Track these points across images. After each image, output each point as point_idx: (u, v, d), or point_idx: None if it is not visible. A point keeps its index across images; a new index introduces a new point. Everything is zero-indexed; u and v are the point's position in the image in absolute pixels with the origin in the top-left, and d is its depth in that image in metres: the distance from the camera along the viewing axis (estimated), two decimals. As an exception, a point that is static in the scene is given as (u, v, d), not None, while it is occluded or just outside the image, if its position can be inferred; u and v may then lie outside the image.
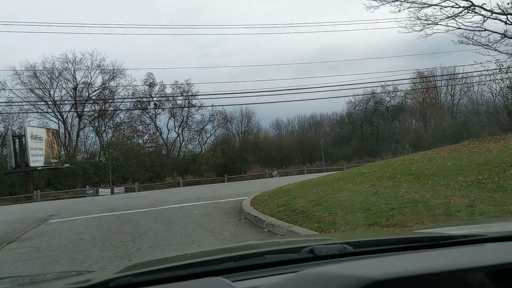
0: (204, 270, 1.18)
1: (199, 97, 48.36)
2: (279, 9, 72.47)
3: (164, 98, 50.16)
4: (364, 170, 10.69)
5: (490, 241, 1.37)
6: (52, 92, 45.02)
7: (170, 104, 50.52)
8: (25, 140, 32.60)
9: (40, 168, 34.19)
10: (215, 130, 52.72)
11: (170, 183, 33.64)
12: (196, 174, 43.52)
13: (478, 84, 53.70)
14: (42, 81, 44.41)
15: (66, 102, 45.81)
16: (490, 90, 53.88)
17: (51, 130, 37.85)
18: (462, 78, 52.37)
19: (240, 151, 49.30)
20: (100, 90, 47.05)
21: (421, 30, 14.66)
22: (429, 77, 51.64)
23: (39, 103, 44.32)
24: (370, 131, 48.95)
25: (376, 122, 49.11)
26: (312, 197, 8.32)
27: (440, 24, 14.19)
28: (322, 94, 69.65)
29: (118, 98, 47.58)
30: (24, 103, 42.78)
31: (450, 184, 6.96)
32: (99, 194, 30.27)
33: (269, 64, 69.28)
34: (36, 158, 33.22)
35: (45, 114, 45.09)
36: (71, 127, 46.94)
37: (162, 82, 48.66)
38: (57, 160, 37.01)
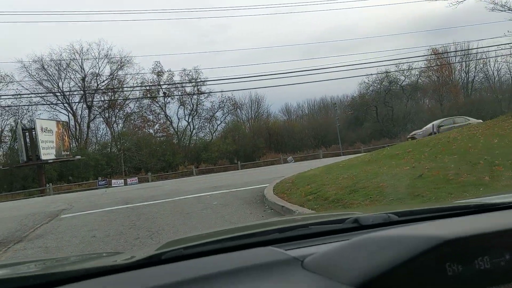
0: (253, 241, 1.16)
1: (208, 84, 47.66)
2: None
3: (173, 87, 49.50)
4: (396, 151, 9.84)
5: None
6: (60, 84, 44.62)
7: (179, 92, 49.85)
8: (35, 133, 32.12)
9: (51, 161, 33.74)
10: (225, 117, 52.21)
11: (183, 172, 32.98)
12: (208, 162, 42.88)
13: (495, 60, 52.55)
14: (50, 73, 43.98)
15: (75, 93, 45.25)
16: (508, 66, 52.71)
17: (61, 122, 37.38)
18: (477, 53, 51.07)
19: (251, 137, 48.56)
20: (109, 80, 46.48)
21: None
22: (443, 53, 50.19)
23: (48, 95, 43.90)
24: (384, 112, 47.80)
25: (390, 102, 47.94)
26: (344, 183, 7.52)
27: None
28: (333, 75, 68.36)
29: (127, 87, 46.90)
30: (32, 96, 42.36)
31: (506, 164, 6.11)
32: (112, 185, 29.61)
33: (278, 46, 67.86)
34: (47, 151, 32.77)
35: (55, 106, 44.73)
36: (81, 119, 46.52)
37: (170, 70, 47.98)
38: (68, 153, 36.58)
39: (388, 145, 36.57)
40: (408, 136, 29.66)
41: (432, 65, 49.68)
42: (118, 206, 11.13)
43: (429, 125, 29.01)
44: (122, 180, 30.56)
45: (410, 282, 0.80)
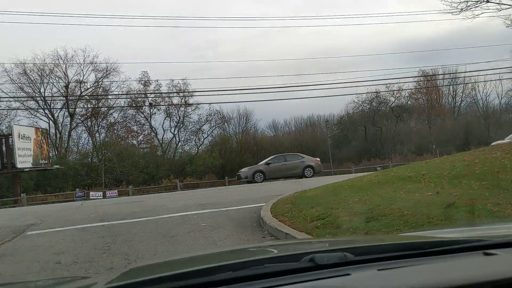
0: (202, 282, 1.14)
1: (195, 96, 46.64)
2: (274, 13, 70.84)
3: (160, 97, 48.29)
4: (408, 173, 8.83)
5: (492, 248, 1.34)
6: (42, 90, 43.05)
7: (166, 104, 48.63)
8: (12, 140, 30.52)
9: (28, 169, 32.09)
10: (212, 131, 51.07)
11: (167, 186, 31.59)
12: (194, 175, 41.53)
13: (484, 85, 52.50)
14: (32, 79, 42.40)
15: (58, 100, 43.71)
16: (496, 91, 52.78)
17: (40, 129, 35.79)
18: (465, 77, 50.96)
19: (238, 151, 47.46)
20: (93, 88, 45.06)
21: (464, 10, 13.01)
22: (433, 75, 49.95)
23: (28, 101, 42.32)
24: (373, 131, 47.19)
25: (379, 122, 47.39)
26: (357, 208, 6.48)
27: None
28: (320, 93, 68.07)
29: (112, 95, 45.53)
30: (12, 101, 40.79)
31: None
32: (90, 197, 28.09)
33: (268, 61, 67.29)
34: (24, 158, 31.16)
35: (35, 113, 43.00)
36: (62, 127, 44.89)
37: (157, 81, 46.79)
38: (46, 161, 34.96)
39: (380, 166, 36.25)
40: (492, 144, 27.79)
41: (422, 87, 49.34)
42: (92, 223, 9.91)
43: None
44: (101, 193, 29.00)
45: None
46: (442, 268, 1.04)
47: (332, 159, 44.47)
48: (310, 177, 26.35)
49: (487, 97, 53.64)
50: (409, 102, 47.80)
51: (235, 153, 46.84)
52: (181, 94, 48.17)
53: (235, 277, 1.18)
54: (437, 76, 51.28)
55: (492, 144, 24.77)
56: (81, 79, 44.11)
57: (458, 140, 46.62)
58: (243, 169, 28.02)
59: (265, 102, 59.09)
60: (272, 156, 29.14)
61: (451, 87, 54.10)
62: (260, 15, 69.52)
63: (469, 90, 53.14)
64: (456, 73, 49.99)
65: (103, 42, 65.06)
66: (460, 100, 55.13)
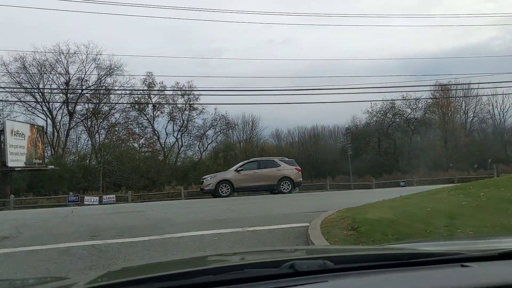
0: (181, 284, 1.15)
1: (201, 100, 44.59)
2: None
3: (164, 100, 46.11)
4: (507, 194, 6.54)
5: (469, 261, 1.37)
6: (41, 86, 40.85)
7: (170, 107, 46.45)
8: (4, 136, 28.23)
9: (19, 169, 29.75)
10: (217, 136, 48.92)
11: (170, 193, 29.20)
12: (197, 182, 39.22)
13: (503, 98, 50.24)
14: (31, 73, 40.22)
15: (57, 97, 41.48)
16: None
17: (35, 126, 33.49)
18: (478, 90, 48.64)
19: (243, 159, 45.23)
20: (95, 86, 42.84)
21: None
22: (450, 86, 47.64)
23: (26, 96, 40.12)
24: (386, 144, 44.87)
25: (393, 135, 45.10)
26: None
27: None
28: (326, 102, 66.37)
29: (114, 94, 43.37)
30: (8, 96, 38.57)
31: None
32: (85, 202, 25.65)
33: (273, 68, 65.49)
34: (16, 157, 28.87)
35: (33, 110, 40.81)
36: (60, 126, 42.61)
37: (162, 83, 44.56)
38: (40, 161, 32.61)
39: (404, 181, 33.87)
40: None
41: (441, 97, 47.06)
42: (80, 241, 7.58)
43: None
44: (97, 198, 26.54)
45: None
46: (418, 278, 1.05)
47: (339, 171, 42.30)
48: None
49: (505, 113, 51.28)
50: (426, 115, 45.39)
51: (240, 161, 44.65)
52: (186, 97, 46.14)
53: (214, 281, 1.18)
54: (450, 89, 49.20)
55: None
56: (83, 76, 42.00)
57: (473, 157, 44.28)
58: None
59: (269, 111, 57.15)
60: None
61: (463, 102, 51.96)
62: (264, 25, 67.85)
63: (483, 105, 50.71)
64: (469, 83, 47.76)
65: (106, 35, 62.97)
66: (472, 115, 53.08)
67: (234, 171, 22.40)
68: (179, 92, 45.54)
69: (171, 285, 1.13)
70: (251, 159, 24.31)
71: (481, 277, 1.07)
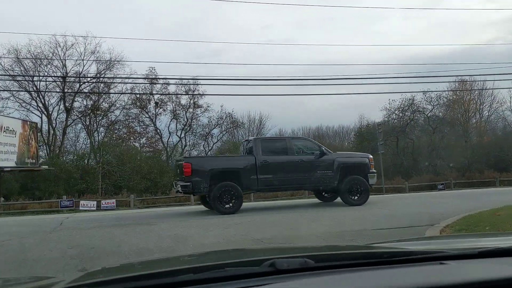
0: (162, 283, 1.15)
1: (205, 98, 41.95)
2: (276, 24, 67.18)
3: (166, 97, 43.32)
4: None
5: (449, 259, 1.38)
6: (36, 80, 38.07)
7: (173, 104, 43.72)
8: (-8, 133, 25.41)
9: (9, 169, 26.83)
10: (222, 136, 46.30)
11: (178, 198, 26.24)
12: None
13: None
14: (26, 67, 37.46)
15: (53, 92, 38.62)
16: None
17: (28, 123, 30.54)
18: (493, 90, 45.94)
19: (251, 160, 42.52)
20: (94, 81, 40.06)
21: None
22: (472, 83, 44.81)
23: (20, 93, 37.32)
24: (403, 144, 42.09)
25: (411, 134, 42.32)
26: None
27: None
28: (331, 106, 64.26)
29: (114, 92, 40.58)
30: (1, 90, 35.77)
31: None
32: (80, 208, 22.69)
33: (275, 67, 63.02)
34: (6, 156, 26.01)
35: (28, 106, 38.13)
36: (56, 123, 39.82)
37: (165, 79, 41.72)
38: (34, 161, 29.72)
39: (442, 184, 31.00)
40: None
41: (464, 90, 44.25)
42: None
43: None
44: (95, 202, 23.55)
45: None
46: (396, 275, 1.05)
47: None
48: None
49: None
50: (448, 112, 42.59)
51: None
52: (190, 94, 43.42)
53: (194, 279, 1.18)
54: (472, 88, 46.56)
55: None
56: (81, 70, 39.21)
57: (494, 157, 41.51)
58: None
59: (274, 110, 55.15)
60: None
61: (478, 100, 49.30)
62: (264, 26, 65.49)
63: (498, 104, 47.89)
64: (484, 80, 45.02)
65: (105, 27, 60.43)
66: (487, 114, 50.42)
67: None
68: (182, 89, 42.96)
69: (151, 284, 1.10)
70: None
71: (460, 274, 1.03)
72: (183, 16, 64.31)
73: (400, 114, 41.53)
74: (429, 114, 41.27)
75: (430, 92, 39.53)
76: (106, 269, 1.54)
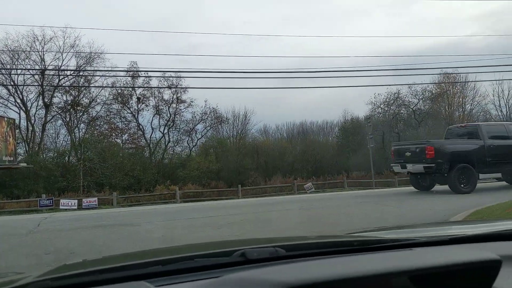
0: (129, 274, 1.14)
1: (189, 94, 41.41)
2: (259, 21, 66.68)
3: (149, 92, 42.42)
4: None
5: (418, 246, 1.39)
6: (14, 76, 36.86)
7: (156, 99, 42.86)
8: (-33, 129, 24.37)
9: (-15, 167, 25.86)
10: (207, 131, 45.54)
11: (163, 195, 25.44)
12: (186, 181, 35.72)
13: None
14: (3, 61, 36.24)
15: (31, 87, 37.44)
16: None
17: (5, 119, 29.48)
18: (475, 83, 46.12)
19: (236, 156, 41.90)
20: (74, 76, 38.96)
21: None
22: (455, 75, 44.86)
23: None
24: (389, 138, 41.96)
25: (396, 127, 42.20)
26: None
27: None
28: (314, 101, 64.00)
29: (95, 86, 39.53)
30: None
31: None
32: (61, 207, 21.77)
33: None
34: (-19, 153, 25.02)
35: (6, 102, 36.92)
36: (35, 119, 38.66)
37: (147, 73, 40.81)
38: (12, 158, 28.68)
39: None
40: None
41: (443, 89, 44.34)
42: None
43: None
44: (76, 201, 22.65)
45: None
46: (365, 260, 1.06)
47: (338, 168, 39.35)
48: None
49: (509, 105, 48.65)
50: (433, 105, 42.57)
51: (233, 157, 41.34)
52: (173, 89, 42.60)
53: (162, 271, 1.17)
54: (452, 79, 46.70)
55: None
56: (60, 64, 38.06)
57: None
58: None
59: (258, 107, 54.78)
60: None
61: (460, 94, 49.46)
62: (243, 23, 64.71)
63: (481, 98, 48.08)
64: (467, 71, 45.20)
65: (85, 20, 59.14)
66: (470, 108, 50.65)
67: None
68: (165, 84, 42.12)
69: (118, 276, 1.09)
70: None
71: (425, 259, 1.02)
72: (164, 12, 63.14)
73: (386, 108, 41.38)
74: (414, 108, 41.18)
75: (415, 86, 39.46)
76: (78, 263, 1.48)
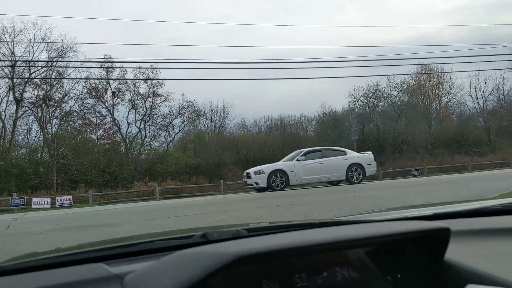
0: (87, 257, 1.13)
1: (166, 87, 41.11)
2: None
3: (124, 87, 41.38)
4: None
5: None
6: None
7: (131, 93, 41.88)
8: None
9: (-48, 165, 24.56)
10: (184, 126, 44.77)
11: (141, 192, 24.47)
12: (164, 176, 34.88)
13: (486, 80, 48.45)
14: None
15: (0, 80, 35.97)
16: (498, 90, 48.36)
17: (-27, 115, 28.17)
18: (451, 75, 46.55)
19: (215, 150, 41.27)
20: (46, 70, 37.63)
21: None
22: (432, 67, 45.07)
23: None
24: (368, 130, 41.93)
25: (375, 119, 42.18)
26: None
27: None
28: (291, 94, 63.83)
29: (68, 78, 38.30)
30: None
31: None
32: (33, 206, 20.67)
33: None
34: None
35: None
36: (5, 115, 37.22)
37: (122, 67, 39.71)
38: (-20, 156, 27.42)
39: (417, 170, 30.53)
40: None
41: (421, 81, 44.51)
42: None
43: None
44: (49, 199, 21.55)
45: None
46: (315, 232, 1.07)
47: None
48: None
49: (486, 97, 49.14)
50: (410, 99, 42.67)
51: (212, 152, 40.68)
52: (149, 83, 41.68)
53: (121, 253, 1.17)
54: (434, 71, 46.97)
55: None
56: (31, 57, 36.63)
57: (455, 142, 41.98)
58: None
59: (234, 101, 54.29)
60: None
61: (436, 86, 49.82)
62: (222, 16, 64.00)
63: (457, 90, 48.49)
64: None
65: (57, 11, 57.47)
66: (446, 100, 51.14)
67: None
68: (141, 77, 41.20)
69: (72, 259, 1.09)
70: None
71: (379, 228, 1.03)
72: (140, 8, 61.77)
73: (365, 101, 41.26)
74: (394, 100, 41.19)
75: (394, 78, 39.43)
76: (32, 253, 1.41)
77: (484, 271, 0.92)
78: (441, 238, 0.96)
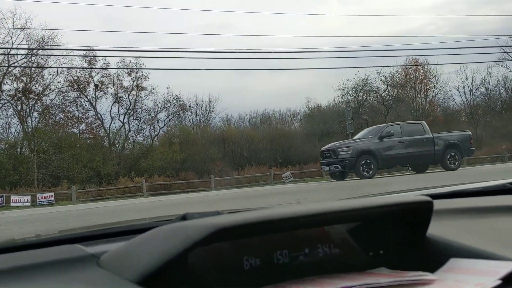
0: (62, 239, 1.13)
1: (150, 81, 40.07)
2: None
3: (108, 80, 40.31)
4: None
5: None
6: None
7: (115, 87, 40.80)
8: None
9: None
10: (169, 120, 43.82)
11: (128, 188, 23.51)
12: (150, 172, 33.99)
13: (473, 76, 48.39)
14: None
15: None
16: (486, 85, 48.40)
17: None
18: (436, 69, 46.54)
19: (201, 145, 40.47)
20: (25, 61, 36.32)
21: None
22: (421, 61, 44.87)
23: None
24: (357, 125, 41.54)
25: (365, 114, 41.79)
26: None
27: None
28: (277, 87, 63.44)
29: (49, 67, 36.99)
30: None
31: None
32: (12, 204, 19.49)
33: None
34: None
35: None
36: (-17, 109, 35.85)
37: (105, 59, 38.59)
38: (-44, 151, 26.17)
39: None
40: None
41: (410, 75, 44.25)
42: None
43: None
44: (29, 197, 20.39)
45: (189, 276, 0.81)
46: (294, 207, 0.98)
47: (310, 157, 38.56)
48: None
49: (473, 92, 49.10)
50: (399, 93, 42.36)
51: (199, 147, 39.87)
52: (133, 75, 40.68)
53: (99, 234, 1.17)
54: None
55: None
56: (10, 48, 35.23)
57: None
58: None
59: (219, 96, 53.51)
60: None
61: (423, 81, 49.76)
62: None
63: (444, 84, 48.41)
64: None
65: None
66: (432, 95, 51.10)
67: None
68: (124, 71, 40.14)
69: (48, 240, 1.09)
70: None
71: (360, 203, 1.01)
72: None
73: (354, 94, 40.79)
74: (383, 94, 40.81)
75: (384, 72, 39.05)
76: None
77: (467, 244, 0.92)
78: (424, 212, 0.94)
